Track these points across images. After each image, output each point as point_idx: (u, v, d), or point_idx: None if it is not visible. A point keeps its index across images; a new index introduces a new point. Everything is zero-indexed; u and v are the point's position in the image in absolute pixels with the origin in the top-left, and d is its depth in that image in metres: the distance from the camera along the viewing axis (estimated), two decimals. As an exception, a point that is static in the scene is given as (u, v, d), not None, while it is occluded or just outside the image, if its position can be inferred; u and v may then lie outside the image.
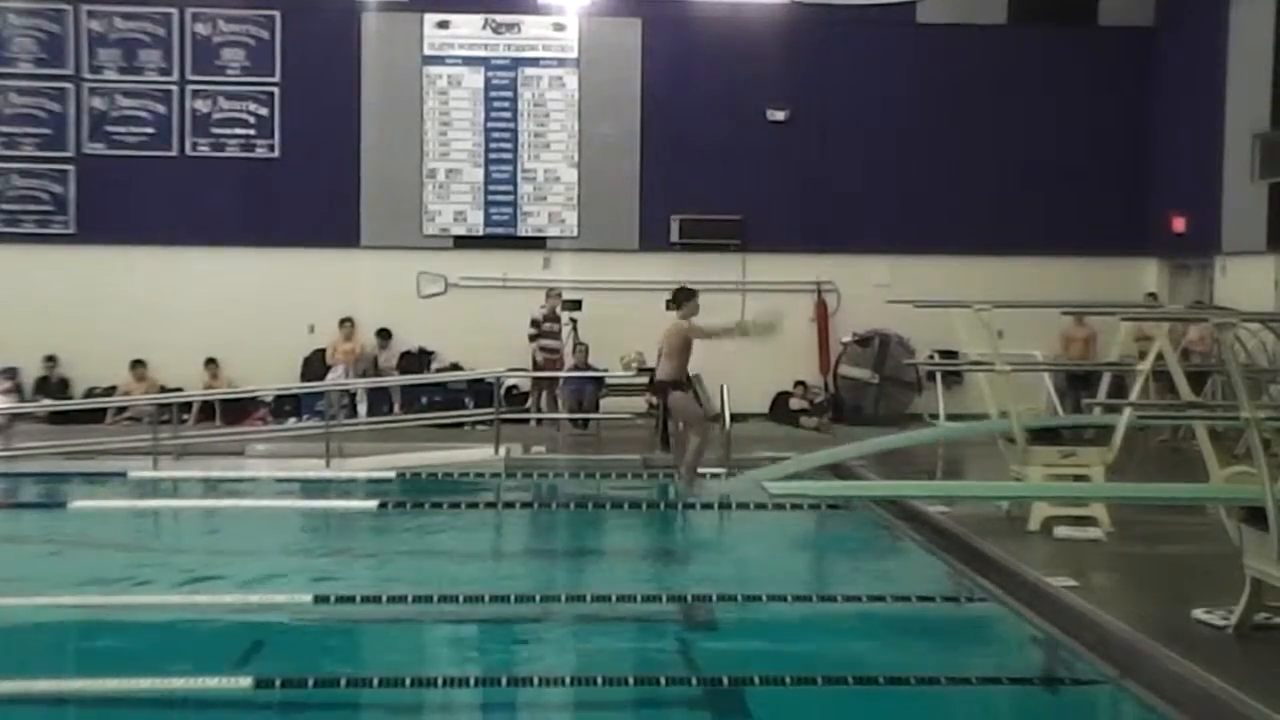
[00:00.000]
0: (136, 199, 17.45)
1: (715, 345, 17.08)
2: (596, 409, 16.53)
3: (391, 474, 13.40)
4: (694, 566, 10.45)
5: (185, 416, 16.13)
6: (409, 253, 17.68)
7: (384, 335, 17.55)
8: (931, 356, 15.92)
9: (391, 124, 17.69)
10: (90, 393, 17.28)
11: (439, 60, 17.83)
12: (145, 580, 9.42)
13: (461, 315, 17.54)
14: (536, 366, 16.55)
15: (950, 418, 13.15)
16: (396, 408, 17.14)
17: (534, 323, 16.70)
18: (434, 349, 17.72)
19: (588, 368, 16.75)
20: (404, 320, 17.56)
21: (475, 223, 17.87)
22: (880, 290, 16.73)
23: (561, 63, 17.87)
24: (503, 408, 15.28)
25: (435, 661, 7.88)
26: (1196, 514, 9.07)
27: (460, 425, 16.28)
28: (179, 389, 16.85)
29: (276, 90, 17.72)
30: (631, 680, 7.16)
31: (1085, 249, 17.24)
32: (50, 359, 17.36)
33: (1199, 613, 7.14)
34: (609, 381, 16.60)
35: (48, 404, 16.70)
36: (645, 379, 15.99)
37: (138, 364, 17.20)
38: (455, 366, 17.61)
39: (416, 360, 17.69)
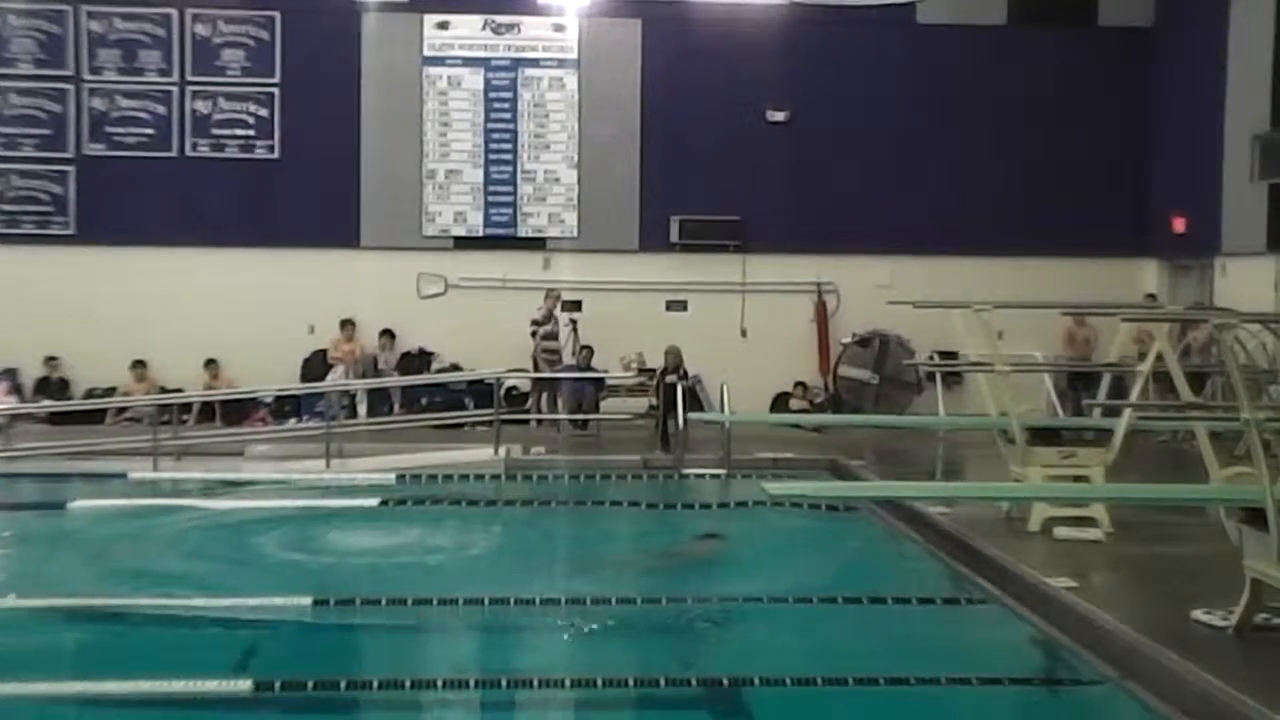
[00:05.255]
0: (136, 200, 17.46)
1: (717, 346, 17.26)
2: (596, 410, 16.51)
3: (391, 476, 13.39)
4: (694, 567, 10.44)
5: (185, 417, 16.13)
6: (409, 253, 17.68)
7: (388, 335, 17.52)
8: (931, 357, 15.91)
9: (391, 125, 17.69)
10: (90, 394, 17.26)
11: (439, 61, 17.83)
12: (145, 581, 9.42)
13: (461, 316, 17.53)
14: (538, 368, 16.55)
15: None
16: (396, 408, 17.14)
17: (534, 324, 16.72)
18: (434, 350, 17.70)
19: (589, 369, 16.76)
20: (404, 321, 17.57)
21: (475, 223, 17.87)
22: (880, 291, 16.71)
23: (561, 63, 17.87)
24: (503, 408, 15.27)
25: (435, 663, 7.88)
26: (1196, 515, 9.08)
27: (460, 426, 16.29)
28: (179, 389, 16.85)
29: (276, 91, 17.72)
30: (631, 681, 7.16)
31: (1086, 249, 17.22)
32: (51, 359, 17.36)
33: (1199, 613, 7.14)
34: (608, 382, 16.59)
35: (48, 404, 16.69)
36: (645, 379, 16.05)
37: (138, 364, 17.20)
38: (455, 367, 17.62)
39: (417, 361, 17.69)
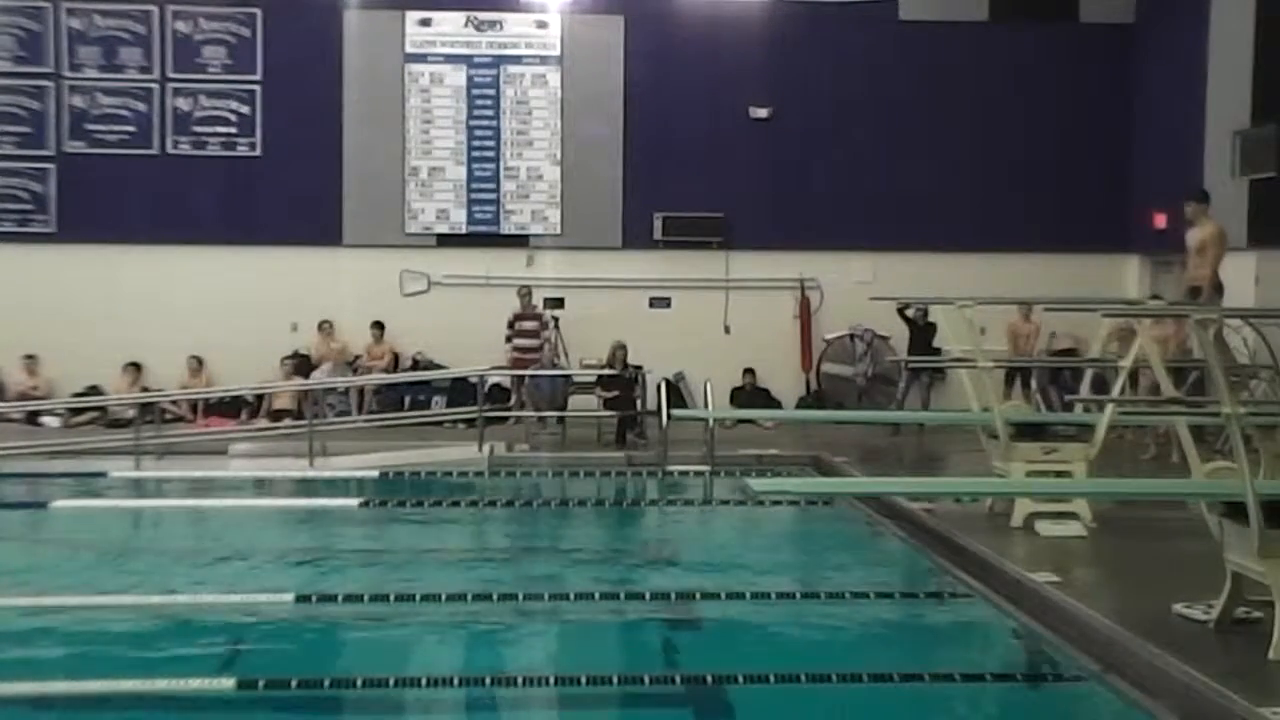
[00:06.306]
0: (118, 197, 17.39)
1: (701, 343, 17.28)
2: (565, 406, 16.48)
3: (375, 473, 13.37)
4: (677, 564, 10.45)
5: (168, 416, 16.08)
6: (392, 251, 17.64)
7: (378, 328, 17.39)
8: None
9: (373, 122, 17.64)
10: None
11: (421, 58, 17.78)
12: (126, 581, 9.39)
13: (445, 313, 17.50)
14: (510, 365, 16.54)
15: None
16: (373, 403, 17.06)
17: (509, 323, 16.71)
18: (419, 350, 17.61)
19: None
20: (387, 319, 17.51)
21: (458, 221, 17.83)
22: (863, 287, 16.76)
23: (544, 60, 17.84)
24: (487, 406, 15.25)
25: (418, 661, 7.86)
26: (1178, 509, 9.11)
27: (441, 424, 16.28)
28: (160, 389, 16.79)
29: (258, 88, 17.65)
30: (615, 679, 7.15)
31: (1067, 246, 17.28)
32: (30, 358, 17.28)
33: (1180, 607, 7.17)
34: (577, 379, 16.56)
35: (29, 405, 16.60)
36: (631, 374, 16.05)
37: (131, 366, 17.06)
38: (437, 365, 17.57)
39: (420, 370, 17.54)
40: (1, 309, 17.04)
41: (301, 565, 10.06)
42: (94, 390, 17.05)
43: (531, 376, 16.55)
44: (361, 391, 17.06)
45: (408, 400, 17.20)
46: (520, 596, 8.75)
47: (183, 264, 17.39)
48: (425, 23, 17.78)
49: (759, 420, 16.47)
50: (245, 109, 17.65)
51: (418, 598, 8.54)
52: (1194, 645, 6.57)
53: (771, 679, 6.88)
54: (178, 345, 17.12)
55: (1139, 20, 17.76)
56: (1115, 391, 9.91)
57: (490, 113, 17.84)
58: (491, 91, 17.83)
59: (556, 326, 17.22)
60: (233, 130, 17.66)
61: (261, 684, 6.84)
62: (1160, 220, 16.72)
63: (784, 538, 11.56)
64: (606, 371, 16.01)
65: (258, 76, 17.64)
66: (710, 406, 14.91)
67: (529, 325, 16.80)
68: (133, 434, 14.37)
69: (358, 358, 17.50)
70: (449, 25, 17.80)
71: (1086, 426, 10.06)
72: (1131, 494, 9.78)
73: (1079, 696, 6.89)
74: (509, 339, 16.73)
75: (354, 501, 12.17)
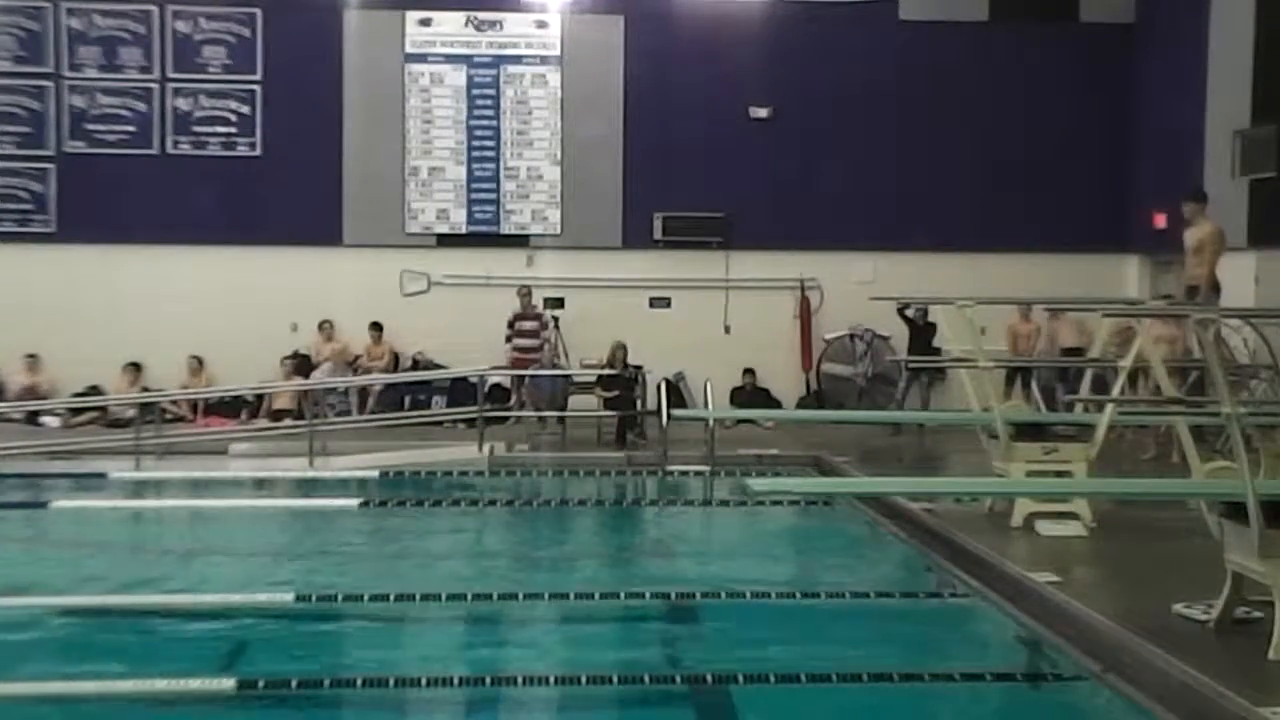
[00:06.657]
0: (118, 198, 17.39)
1: (701, 343, 17.29)
2: (565, 406, 16.47)
3: (375, 473, 13.37)
4: (677, 563, 10.46)
5: (168, 416, 16.09)
6: (392, 251, 17.64)
7: (377, 329, 17.40)
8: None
9: (374, 122, 17.65)
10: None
11: (421, 58, 17.79)
12: (126, 581, 9.39)
13: (445, 313, 17.50)
14: (510, 365, 16.54)
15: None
16: (372, 403, 17.07)
17: (509, 323, 16.72)
18: (420, 349, 17.62)
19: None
20: (387, 319, 17.52)
21: (458, 221, 17.84)
22: (863, 287, 16.76)
23: (544, 60, 17.84)
24: (487, 406, 15.25)
25: (418, 661, 7.86)
26: (1178, 509, 9.11)
27: (441, 424, 16.30)
28: (160, 389, 16.79)
29: (258, 88, 17.66)
30: (615, 679, 7.15)
31: (1067, 246, 17.28)
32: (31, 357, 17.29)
33: (1180, 607, 7.16)
34: (577, 379, 16.56)
35: (29, 405, 16.60)
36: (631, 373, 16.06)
37: (131, 366, 17.08)
38: (437, 365, 17.57)
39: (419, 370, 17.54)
40: (1, 309, 17.05)
41: (301, 565, 10.07)
42: (94, 390, 17.06)
43: (531, 376, 16.56)
44: (362, 391, 17.08)
45: (408, 400, 17.22)
46: (520, 596, 8.76)
47: (183, 264, 17.39)
48: (425, 23, 17.79)
49: (759, 420, 16.47)
50: (245, 109, 17.66)
51: (418, 598, 8.53)
52: (1194, 645, 6.57)
53: (771, 679, 6.88)
54: (178, 345, 17.13)
55: (1139, 20, 17.76)
56: (1115, 391, 9.91)
57: (490, 113, 17.84)
58: (491, 91, 17.83)
59: (556, 326, 17.23)
60: (233, 130, 17.66)
61: (261, 684, 6.84)
62: (1160, 220, 16.72)
63: (784, 538, 11.56)
64: (606, 371, 16.01)
65: (258, 76, 17.65)
66: (710, 406, 14.92)
67: (529, 325, 16.81)
68: (133, 434, 14.38)
69: (358, 358, 17.51)
70: (449, 25, 17.81)
71: (1086, 426, 10.07)
72: (1131, 494, 9.78)
73: (1079, 696, 6.89)
74: (509, 339, 16.74)
75: (354, 501, 12.16)
